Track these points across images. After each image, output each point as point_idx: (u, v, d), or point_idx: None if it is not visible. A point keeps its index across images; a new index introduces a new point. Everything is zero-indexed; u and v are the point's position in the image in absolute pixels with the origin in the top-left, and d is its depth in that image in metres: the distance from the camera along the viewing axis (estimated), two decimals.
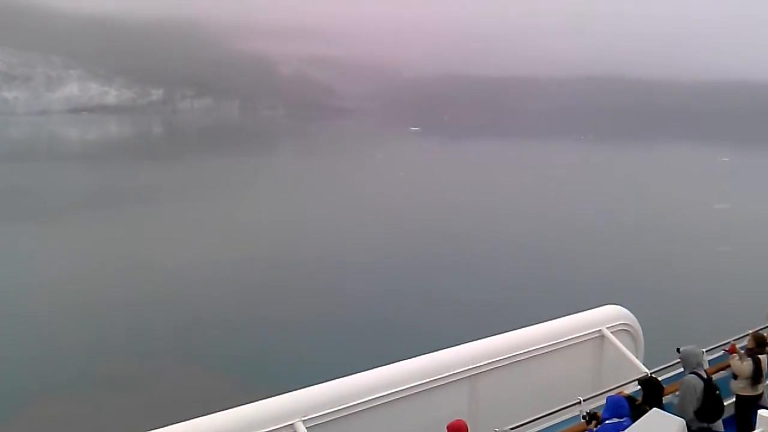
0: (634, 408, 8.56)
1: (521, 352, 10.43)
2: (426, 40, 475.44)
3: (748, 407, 9.67)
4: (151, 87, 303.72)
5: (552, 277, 35.26)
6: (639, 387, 9.63)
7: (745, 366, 9.73)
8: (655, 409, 8.17)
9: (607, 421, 7.97)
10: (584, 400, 9.31)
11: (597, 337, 11.29)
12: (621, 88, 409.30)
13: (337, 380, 9.14)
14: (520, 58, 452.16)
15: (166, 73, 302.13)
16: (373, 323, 27.55)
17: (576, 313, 11.67)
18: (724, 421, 9.59)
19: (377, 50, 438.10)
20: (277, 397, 8.64)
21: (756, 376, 9.66)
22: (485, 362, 10.07)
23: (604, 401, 8.61)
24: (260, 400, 8.55)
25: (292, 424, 8.30)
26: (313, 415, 8.47)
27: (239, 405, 8.38)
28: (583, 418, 8.73)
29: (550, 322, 11.28)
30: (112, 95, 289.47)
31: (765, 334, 10.43)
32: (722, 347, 10.93)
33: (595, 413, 8.58)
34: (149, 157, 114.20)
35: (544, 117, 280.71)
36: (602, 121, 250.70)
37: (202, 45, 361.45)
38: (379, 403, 9.07)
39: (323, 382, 9.06)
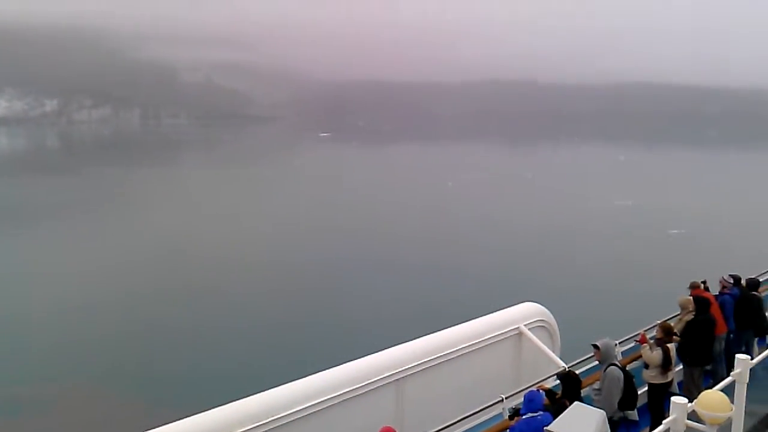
0: (555, 402, 8.71)
1: (444, 353, 10.45)
2: (339, 45, 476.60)
3: (659, 394, 10.06)
4: (44, 97, 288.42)
5: (469, 276, 35.92)
6: (558, 381, 9.83)
7: (655, 355, 10.11)
8: (576, 402, 8.33)
9: (524, 417, 8.07)
10: (506, 398, 9.41)
11: (515, 334, 11.47)
12: (531, 92, 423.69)
13: (260, 394, 8.85)
14: (432, 63, 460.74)
15: (61, 83, 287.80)
16: (292, 333, 27.16)
17: (495, 311, 11.83)
18: (638, 410, 9.98)
19: (289, 56, 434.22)
20: (198, 414, 8.29)
21: (665, 365, 10.05)
22: (410, 366, 10.01)
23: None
24: (177, 420, 8.16)
25: None
26: (238, 431, 8.18)
27: (157, 426, 7.97)
28: (510, 418, 8.83)
29: (470, 322, 11.37)
30: (1, 106, 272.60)
31: (671, 324, 10.92)
32: (633, 338, 11.35)
33: (518, 409, 8.69)
34: (43, 171, 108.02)
35: (457, 121, 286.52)
36: (514, 125, 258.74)
37: (100, 53, 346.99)
38: (304, 414, 8.84)
39: (245, 396, 8.75)
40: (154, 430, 7.77)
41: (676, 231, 49.30)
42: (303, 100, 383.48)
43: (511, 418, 8.60)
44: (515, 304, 12.14)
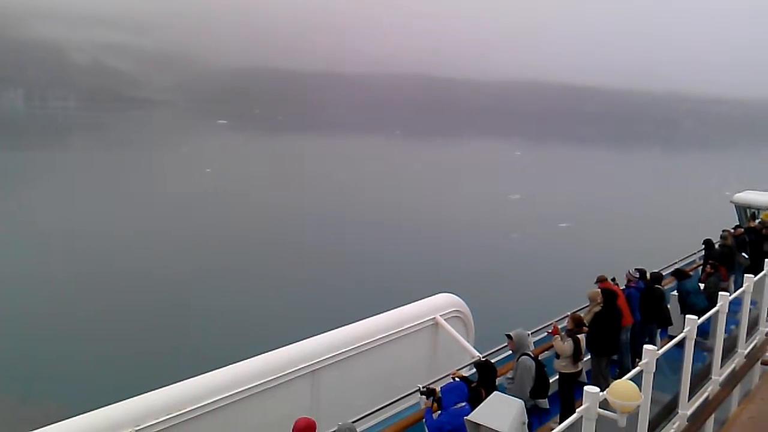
0: (471, 390, 8.76)
1: (360, 344, 10.38)
2: (235, 31, 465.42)
3: (570, 383, 10.35)
4: None
5: (379, 268, 36.02)
6: (473, 370, 9.91)
7: (566, 345, 10.38)
8: (495, 392, 8.40)
9: (453, 407, 8.02)
10: (422, 387, 9.43)
11: (431, 324, 11.55)
12: (428, 86, 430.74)
13: (173, 385, 8.49)
14: (331, 52, 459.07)
15: None
16: (199, 324, 26.25)
17: (411, 302, 11.84)
18: (548, 398, 10.23)
19: (183, 40, 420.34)
20: (108, 406, 7.86)
21: (576, 355, 10.35)
22: (326, 357, 9.90)
23: (439, 387, 8.72)
24: (89, 411, 7.72)
25: None
26: (147, 424, 7.85)
27: (69, 417, 7.50)
28: (422, 393, 8.82)
29: (387, 313, 11.33)
30: None
31: (581, 315, 11.25)
32: (545, 329, 11.63)
33: (433, 389, 8.71)
34: None
35: (353, 112, 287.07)
36: (411, 118, 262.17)
37: None
38: (218, 406, 8.59)
39: (156, 389, 8.35)
40: (49, 426, 7.29)
41: (565, 224, 51.62)
42: (196, 85, 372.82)
43: (427, 396, 8.59)
44: (431, 295, 12.19)
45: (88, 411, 7.74)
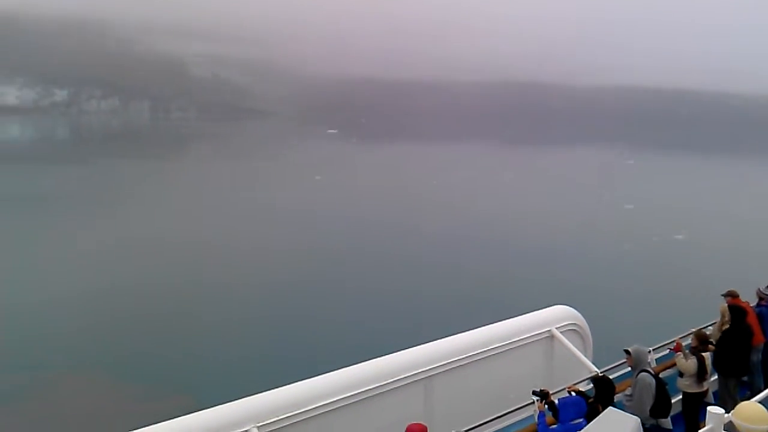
0: (587, 406, 8.60)
1: (474, 353, 10.43)
2: (339, 42, 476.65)
3: (694, 404, 9.92)
4: (54, 87, 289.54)
5: (496, 278, 35.70)
6: (590, 386, 9.70)
7: (690, 364, 9.96)
8: (610, 407, 8.19)
9: (571, 422, 7.93)
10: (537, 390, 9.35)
11: (547, 337, 11.40)
12: (522, 92, 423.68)
13: (291, 385, 8.95)
14: (432, 60, 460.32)
15: (72, 73, 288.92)
16: (322, 327, 27.02)
17: (526, 314, 11.75)
18: (672, 418, 9.82)
19: (292, 52, 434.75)
20: (231, 403, 8.35)
21: (701, 374, 9.91)
22: (439, 364, 10.02)
23: (556, 401, 8.60)
24: (213, 407, 8.20)
25: (246, 431, 8.03)
26: (268, 421, 8.24)
27: (191, 413, 8.00)
28: (535, 394, 8.72)
29: (501, 323, 11.32)
30: (12, 96, 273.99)
31: (707, 332, 10.74)
32: (667, 346, 11.20)
33: (547, 392, 8.61)
34: (53, 160, 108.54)
35: (452, 120, 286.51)
36: (508, 124, 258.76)
37: (111, 44, 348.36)
38: (334, 407, 8.93)
39: (276, 387, 8.77)
40: (175, 419, 7.75)
41: (681, 236, 49.17)
42: (305, 96, 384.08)
43: (540, 399, 8.49)
44: (544, 308, 12.04)
45: (212, 407, 8.20)
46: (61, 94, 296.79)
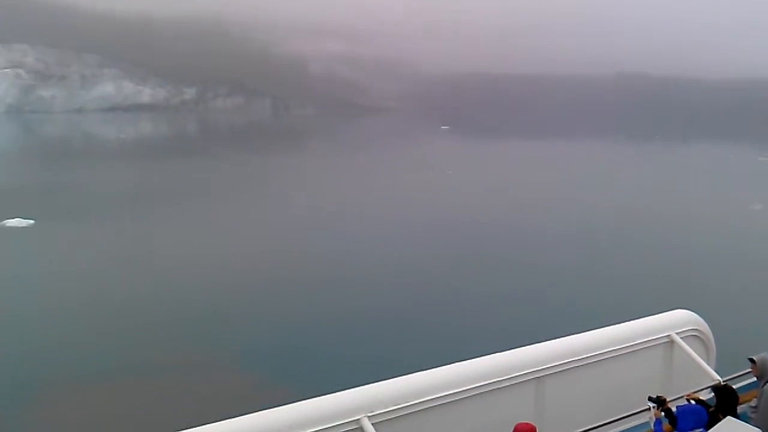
0: (708, 416, 8.35)
1: (589, 355, 10.25)
2: (451, 37, 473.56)
3: None
4: (184, 86, 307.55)
5: (613, 278, 34.75)
6: (711, 395, 9.39)
7: None
8: (729, 418, 7.92)
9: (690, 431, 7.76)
10: (655, 408, 9.10)
11: (666, 342, 11.05)
12: (645, 86, 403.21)
13: (402, 377, 9.10)
14: (547, 54, 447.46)
15: (199, 72, 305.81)
16: (432, 321, 27.39)
17: (644, 317, 11.41)
18: None
19: (406, 48, 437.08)
20: (342, 392, 8.58)
21: None
22: (552, 364, 9.91)
23: (674, 408, 8.40)
24: (323, 395, 8.49)
25: (357, 420, 8.22)
26: (378, 411, 8.40)
27: (302, 400, 8.32)
28: (651, 400, 8.54)
29: (617, 325, 11.08)
30: (146, 94, 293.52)
31: None
32: None
33: (664, 398, 8.41)
34: (183, 155, 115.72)
35: (574, 116, 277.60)
36: (631, 120, 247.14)
37: (235, 44, 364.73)
38: (445, 401, 9.02)
39: (388, 378, 8.98)
40: (284, 406, 8.04)
41: None
42: (418, 92, 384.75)
43: (657, 406, 8.32)
44: (664, 311, 11.66)
45: (323, 395, 8.40)
46: (189, 93, 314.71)
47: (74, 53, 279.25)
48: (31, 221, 45.59)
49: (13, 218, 45.54)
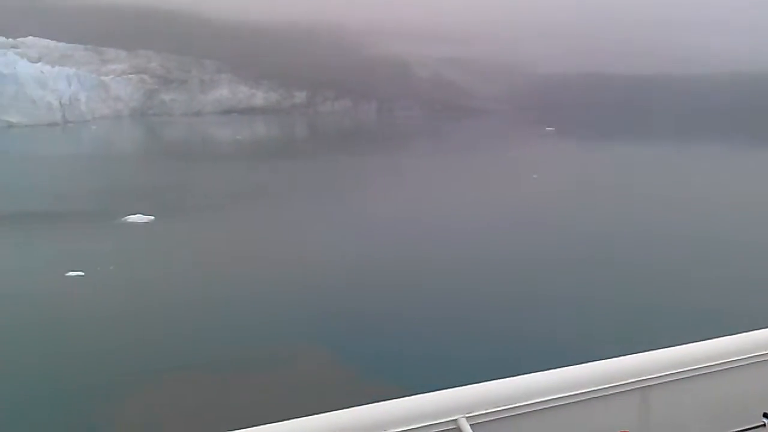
0: None
1: (699, 366, 9.72)
2: (561, 38, 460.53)
3: None
4: (295, 90, 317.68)
5: (727, 283, 33.03)
6: None
7: None
8: None
9: None
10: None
11: None
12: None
13: (502, 380, 8.96)
14: (659, 55, 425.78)
15: (309, 77, 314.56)
16: (535, 325, 27.09)
17: (761, 329, 10.74)
18: None
19: (512, 50, 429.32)
20: (440, 391, 8.54)
21: None
22: (658, 374, 9.49)
23: None
24: (421, 393, 8.53)
25: (455, 420, 8.15)
26: (477, 413, 8.29)
27: (399, 398, 8.38)
28: (766, 416, 8.03)
29: (732, 336, 10.45)
30: (259, 97, 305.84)
31: None
32: None
33: None
34: (294, 155, 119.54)
35: (688, 117, 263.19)
36: (750, 122, 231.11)
37: (343, 49, 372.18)
38: (545, 406, 8.78)
39: (488, 380, 8.93)
40: (381, 403, 8.15)
41: None
42: (525, 94, 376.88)
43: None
44: None
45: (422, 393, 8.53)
46: (300, 96, 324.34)
47: (194, 59, 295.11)
48: (151, 217, 48.61)
49: (135, 214, 48.73)
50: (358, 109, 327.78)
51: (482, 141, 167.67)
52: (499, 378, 9.36)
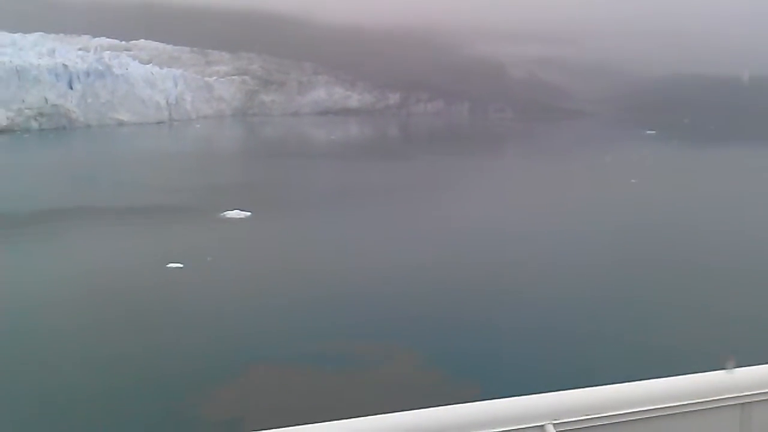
0: None
1: None
2: (662, 38, 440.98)
3: None
4: (388, 91, 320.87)
5: None
6: None
7: None
8: None
9: None
10: None
11: None
12: None
13: (592, 388, 8.70)
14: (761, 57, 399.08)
15: (403, 79, 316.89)
16: (628, 334, 26.23)
17: None
18: None
19: (609, 50, 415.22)
20: (528, 396, 8.40)
21: None
22: (761, 391, 8.94)
23: None
24: (509, 397, 8.42)
25: (542, 426, 7.98)
26: (564, 420, 8.08)
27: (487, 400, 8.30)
28: None
29: None
30: (354, 99, 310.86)
31: None
32: None
33: None
34: (384, 156, 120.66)
35: None
36: None
37: (436, 51, 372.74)
38: (636, 417, 8.44)
39: (575, 388, 8.70)
40: (465, 404, 8.07)
41: None
42: (623, 95, 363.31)
43: None
44: None
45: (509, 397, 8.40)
46: (393, 98, 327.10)
47: (293, 61, 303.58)
48: (248, 213, 50.35)
49: (233, 210, 50.62)
50: (450, 110, 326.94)
51: (578, 143, 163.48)
52: (589, 386, 9.13)
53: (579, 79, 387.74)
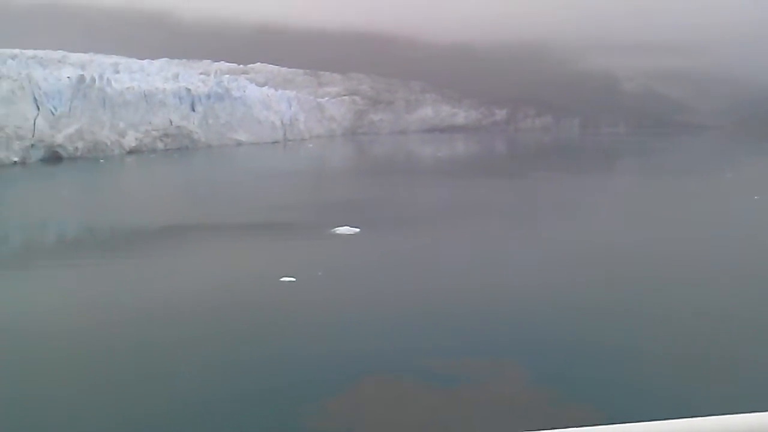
0: None
1: None
2: None
3: None
4: (495, 107, 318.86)
5: None
6: None
7: None
8: None
9: None
10: None
11: None
12: None
13: (722, 416, 8.45)
14: None
15: (511, 94, 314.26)
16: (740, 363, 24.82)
17: None
18: None
19: (731, 58, 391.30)
20: (643, 423, 8.26)
21: None
22: None
23: None
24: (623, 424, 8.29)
25: None
26: None
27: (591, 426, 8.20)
28: None
29: None
30: (460, 116, 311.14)
31: None
32: None
33: None
34: (491, 172, 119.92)
35: None
36: None
37: (545, 64, 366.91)
38: None
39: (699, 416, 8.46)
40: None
41: None
42: (745, 107, 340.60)
43: None
44: None
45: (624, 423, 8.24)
46: (500, 114, 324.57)
47: (401, 81, 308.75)
48: (357, 229, 51.54)
49: (342, 226, 51.99)
50: (559, 125, 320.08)
51: (697, 159, 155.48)
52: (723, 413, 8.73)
53: (697, 91, 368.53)
